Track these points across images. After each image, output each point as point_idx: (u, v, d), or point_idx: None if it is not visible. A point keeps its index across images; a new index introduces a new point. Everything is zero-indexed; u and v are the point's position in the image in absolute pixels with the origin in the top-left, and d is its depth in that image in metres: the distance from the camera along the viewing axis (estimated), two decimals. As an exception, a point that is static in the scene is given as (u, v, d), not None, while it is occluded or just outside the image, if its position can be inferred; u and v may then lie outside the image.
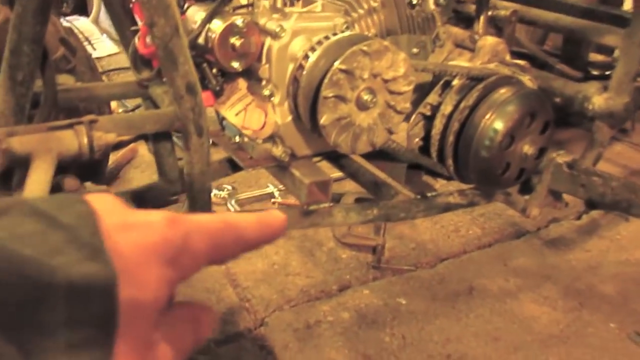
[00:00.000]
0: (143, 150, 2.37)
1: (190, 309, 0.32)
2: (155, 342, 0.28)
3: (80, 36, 3.38)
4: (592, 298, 1.66)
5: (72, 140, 0.82)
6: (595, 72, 1.81)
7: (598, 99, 1.29)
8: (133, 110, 2.54)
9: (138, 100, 2.29)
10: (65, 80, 1.10)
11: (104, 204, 0.28)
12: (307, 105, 0.98)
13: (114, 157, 2.18)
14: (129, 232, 0.28)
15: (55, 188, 0.91)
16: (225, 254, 0.32)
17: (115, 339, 0.25)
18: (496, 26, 1.42)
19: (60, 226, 0.26)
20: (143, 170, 2.26)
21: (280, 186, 2.02)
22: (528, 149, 1.13)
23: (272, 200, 2.01)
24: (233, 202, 1.98)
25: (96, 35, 3.80)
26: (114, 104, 2.44)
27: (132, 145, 2.32)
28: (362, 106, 0.99)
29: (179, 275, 0.29)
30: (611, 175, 1.19)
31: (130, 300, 0.26)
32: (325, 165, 1.33)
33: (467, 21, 1.43)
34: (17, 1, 0.86)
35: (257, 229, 0.33)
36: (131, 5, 1.07)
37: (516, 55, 1.45)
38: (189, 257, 0.29)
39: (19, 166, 0.84)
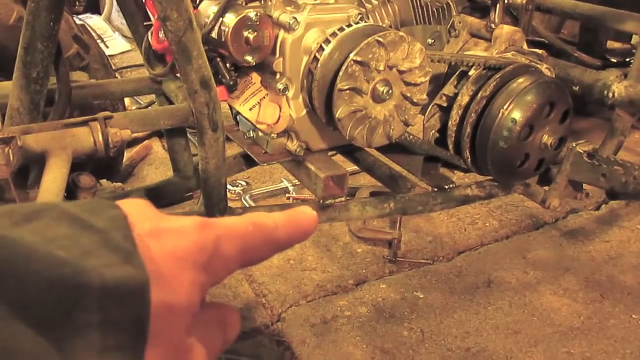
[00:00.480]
0: (157, 147, 2.37)
1: (217, 310, 0.32)
2: (188, 345, 0.28)
3: (93, 34, 3.40)
4: (613, 289, 1.63)
5: (87, 136, 0.82)
6: (613, 60, 1.78)
7: (618, 87, 1.27)
8: (147, 107, 2.55)
9: (151, 97, 2.29)
10: (79, 77, 1.10)
11: (136, 209, 0.29)
12: (322, 98, 0.97)
13: (128, 154, 2.19)
14: (161, 237, 0.28)
15: (71, 185, 0.91)
16: (256, 256, 0.31)
17: (147, 342, 0.25)
18: (512, 15, 1.40)
19: (93, 229, 0.26)
20: (157, 167, 2.27)
21: (295, 181, 2.01)
22: (547, 139, 1.11)
23: (287, 195, 2.01)
24: (247, 197, 1.97)
25: (109, 33, 3.81)
26: (127, 101, 2.44)
27: (146, 142, 2.33)
28: (378, 98, 0.97)
29: (210, 279, 0.29)
30: (633, 164, 1.16)
31: (163, 304, 0.26)
32: (339, 159, 1.32)
33: (482, 10, 1.41)
34: (30, -2, 0.85)
35: (288, 229, 0.32)
36: (144, 0, 1.07)
37: (532, 44, 1.42)
38: (220, 261, 0.29)
39: (35, 163, 0.84)
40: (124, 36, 3.75)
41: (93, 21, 3.90)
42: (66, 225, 0.26)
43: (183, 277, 0.27)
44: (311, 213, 0.34)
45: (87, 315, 0.23)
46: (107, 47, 3.59)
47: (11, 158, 0.69)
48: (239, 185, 2.03)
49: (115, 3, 3.76)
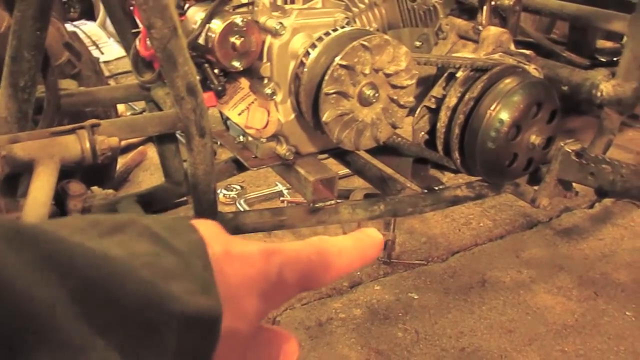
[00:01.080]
0: (152, 153, 2.38)
1: (273, 335, 0.33)
2: None
3: (88, 40, 3.41)
4: (607, 287, 1.64)
5: (74, 145, 0.82)
6: (602, 59, 1.79)
7: (606, 86, 1.27)
8: (141, 113, 2.55)
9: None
10: (68, 85, 1.10)
11: (209, 231, 0.29)
12: (309, 102, 0.98)
13: (123, 161, 2.19)
14: (233, 263, 0.29)
15: (60, 193, 0.91)
16: (317, 283, 0.32)
17: None
18: (500, 16, 1.40)
19: (174, 251, 0.27)
20: (152, 172, 2.27)
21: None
22: (535, 139, 1.12)
23: (281, 198, 2.01)
24: (242, 201, 1.98)
25: (103, 39, 3.82)
26: (122, 107, 2.45)
27: (141, 148, 2.33)
28: (365, 101, 0.98)
29: (271, 307, 0.30)
30: (621, 163, 1.17)
31: (229, 330, 0.27)
32: (331, 162, 1.33)
33: (470, 12, 1.42)
34: (16, 7, 0.86)
35: (353, 255, 0.33)
36: (131, 8, 1.07)
37: (521, 44, 1.43)
38: (282, 289, 0.30)
39: (23, 172, 0.84)
40: (119, 42, 3.76)
41: (88, 27, 3.90)
42: (148, 242, 0.26)
43: (248, 305, 0.28)
44: (377, 236, 0.34)
45: (165, 342, 0.24)
46: (102, 53, 3.60)
47: (-3, 168, 0.69)
48: (234, 189, 2.03)
49: (101, 3, 3.75)
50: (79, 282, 0.22)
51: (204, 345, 0.26)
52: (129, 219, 0.28)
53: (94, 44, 3.68)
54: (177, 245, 0.27)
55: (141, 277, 0.24)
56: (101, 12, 3.96)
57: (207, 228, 0.29)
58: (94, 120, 0.85)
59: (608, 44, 2.16)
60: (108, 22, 3.94)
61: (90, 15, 4.09)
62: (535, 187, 1.26)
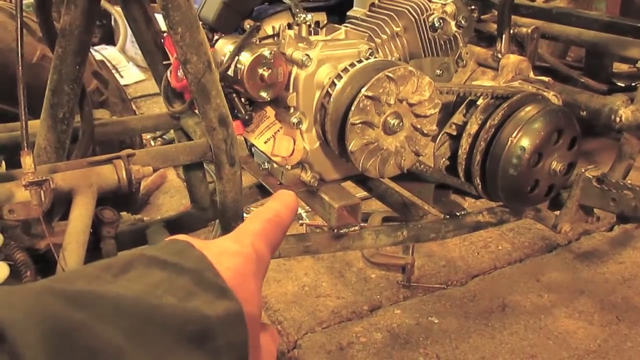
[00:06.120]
0: (172, 175, 2.42)
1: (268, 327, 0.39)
2: (260, 340, 0.36)
3: (108, 64, 3.49)
4: (629, 311, 1.63)
5: (111, 174, 0.85)
6: (620, 84, 1.80)
7: (625, 112, 1.29)
8: (161, 137, 2.60)
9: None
10: (101, 114, 1.14)
11: (197, 243, 0.35)
12: (334, 131, 1.01)
13: (144, 183, 2.23)
14: (223, 262, 0.33)
15: (95, 220, 0.94)
16: (279, 242, 0.39)
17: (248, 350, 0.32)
18: (518, 43, 1.43)
19: (184, 271, 0.31)
20: (172, 195, 2.31)
21: (307, 207, 2.03)
22: (556, 165, 1.13)
23: (300, 221, 2.03)
24: (262, 224, 2.00)
25: (123, 63, 3.90)
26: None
27: (161, 171, 2.37)
28: (389, 130, 1.00)
29: (260, 279, 0.36)
30: (642, 189, 1.18)
31: (249, 317, 0.32)
32: (350, 185, 1.35)
33: (489, 40, 1.45)
34: (57, 43, 0.90)
35: (286, 211, 0.40)
36: (162, 40, 1.11)
37: (538, 69, 1.45)
38: (263, 261, 0.37)
39: (62, 200, 0.87)
40: (138, 66, 3.84)
41: (108, 52, 4.00)
42: (158, 270, 0.31)
43: (251, 288, 0.34)
44: (289, 193, 0.42)
45: (216, 342, 0.30)
46: (121, 77, 3.68)
47: (43, 199, 0.72)
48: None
49: (129, 34, 3.85)
50: (126, 323, 0.27)
51: (239, 337, 0.31)
52: (136, 255, 0.32)
53: (114, 68, 3.76)
54: (186, 264, 0.32)
55: (169, 303, 0.29)
56: (121, 37, 4.06)
57: (194, 242, 0.34)
58: (129, 151, 0.88)
59: (624, 67, 2.17)
60: (127, 46, 4.03)
61: (110, 40, 4.19)
62: (556, 212, 1.27)
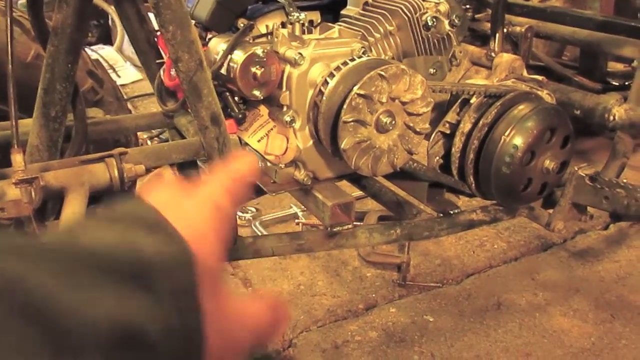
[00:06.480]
0: (168, 174, 2.42)
1: (270, 299, 0.39)
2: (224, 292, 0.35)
3: (105, 64, 3.49)
4: (623, 309, 1.64)
5: (103, 173, 0.86)
6: (614, 83, 1.81)
7: (618, 110, 1.29)
8: (157, 136, 2.60)
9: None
10: (94, 113, 1.14)
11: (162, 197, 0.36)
12: (327, 129, 1.01)
13: (140, 182, 2.23)
14: (181, 213, 0.34)
15: (88, 219, 0.94)
16: (242, 197, 0.40)
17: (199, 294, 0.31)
18: (512, 42, 1.43)
19: (135, 219, 0.32)
20: (169, 194, 2.30)
21: (303, 207, 2.04)
22: (549, 163, 1.14)
23: (296, 220, 2.04)
24: (257, 223, 2.00)
25: (120, 63, 3.91)
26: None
27: (157, 170, 2.37)
28: (382, 129, 1.01)
29: (224, 233, 0.36)
30: (635, 186, 1.18)
31: (205, 267, 0.32)
32: (345, 184, 1.35)
33: (482, 38, 1.45)
34: (50, 42, 0.90)
35: (247, 168, 0.40)
36: (155, 39, 1.12)
37: (533, 68, 1.45)
38: (224, 217, 0.37)
39: (53, 198, 0.88)
40: (135, 66, 3.84)
41: (105, 52, 4.00)
42: (107, 222, 0.32)
43: (209, 240, 0.34)
44: (247, 153, 0.41)
45: (157, 285, 0.29)
46: (118, 76, 3.68)
47: (33, 196, 0.72)
48: (249, 211, 2.06)
49: (126, 34, 3.85)
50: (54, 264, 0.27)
51: (185, 284, 0.30)
52: (89, 219, 0.34)
53: (111, 67, 3.76)
54: (136, 213, 0.33)
55: (105, 244, 0.30)
56: (118, 36, 4.06)
57: (155, 198, 0.35)
58: (121, 149, 0.89)
59: (619, 66, 2.18)
60: (124, 46, 4.03)
61: (107, 40, 4.19)
62: (550, 211, 1.28)
